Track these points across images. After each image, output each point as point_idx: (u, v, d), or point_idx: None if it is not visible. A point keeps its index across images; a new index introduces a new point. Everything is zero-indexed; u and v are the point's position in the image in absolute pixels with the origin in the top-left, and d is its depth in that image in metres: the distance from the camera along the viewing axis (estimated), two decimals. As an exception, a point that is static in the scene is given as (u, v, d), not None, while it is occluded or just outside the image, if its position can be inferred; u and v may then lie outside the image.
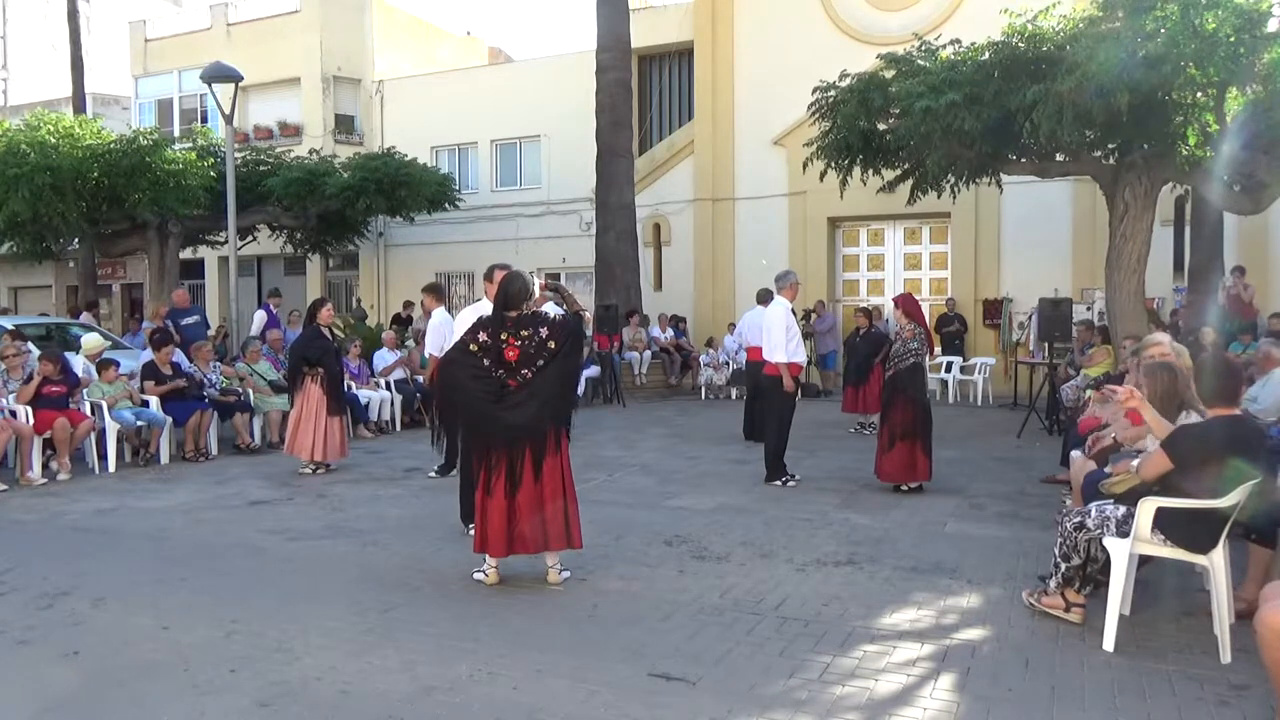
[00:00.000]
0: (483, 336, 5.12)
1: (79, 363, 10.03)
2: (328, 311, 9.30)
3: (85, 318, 16.46)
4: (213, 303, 22.80)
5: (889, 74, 11.39)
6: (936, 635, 4.45)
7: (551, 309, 5.39)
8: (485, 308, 6.10)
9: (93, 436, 9.16)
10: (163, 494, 8.10)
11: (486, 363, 5.11)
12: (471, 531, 6.36)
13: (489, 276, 6.31)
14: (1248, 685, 3.79)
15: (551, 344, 5.13)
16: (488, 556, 5.21)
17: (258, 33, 23.10)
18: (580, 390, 13.86)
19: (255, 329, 13.50)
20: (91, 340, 10.66)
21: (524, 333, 5.11)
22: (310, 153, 19.54)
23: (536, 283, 5.39)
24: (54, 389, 8.90)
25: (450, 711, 3.64)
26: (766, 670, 4.02)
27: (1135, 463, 4.64)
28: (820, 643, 4.33)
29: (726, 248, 19.16)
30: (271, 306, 14.50)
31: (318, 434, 8.91)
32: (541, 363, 5.11)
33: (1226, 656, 4.06)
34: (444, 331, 7.96)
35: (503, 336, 5.10)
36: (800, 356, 8.48)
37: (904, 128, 10.97)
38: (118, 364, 9.81)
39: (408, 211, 19.09)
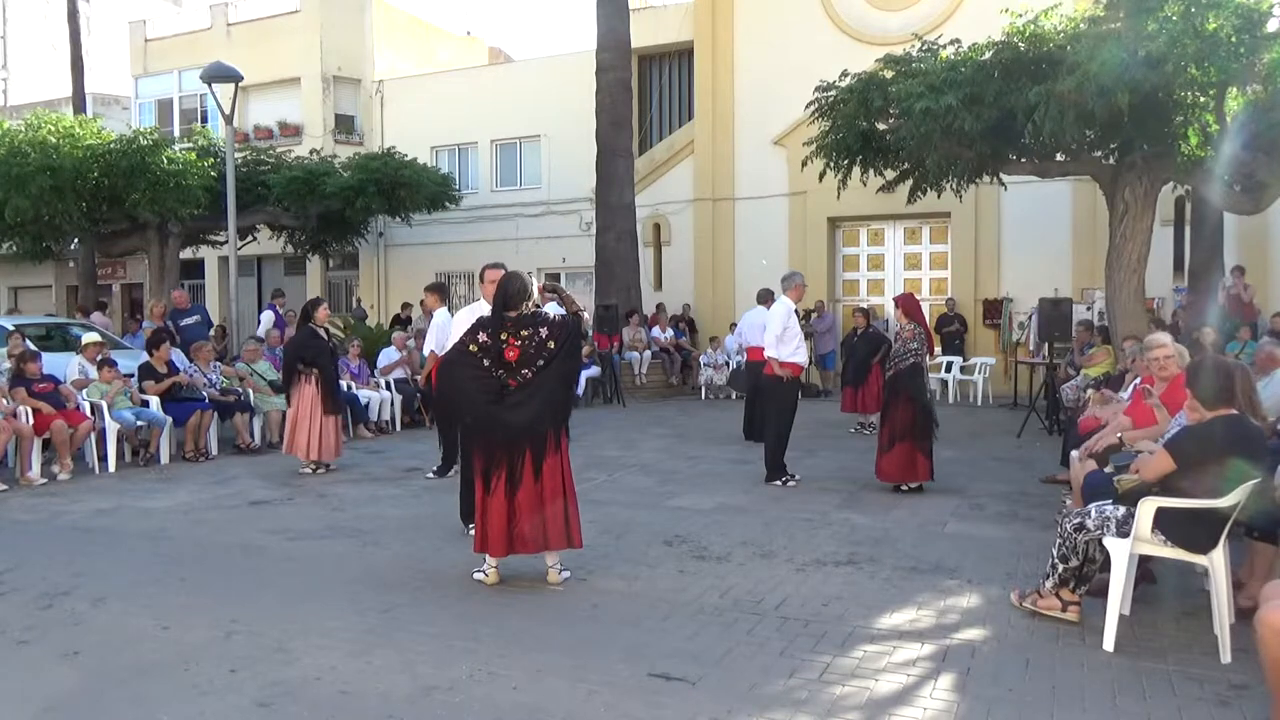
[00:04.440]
0: (482, 337, 5.11)
1: (76, 362, 10.02)
2: (324, 311, 9.30)
3: (96, 317, 16.42)
4: (213, 303, 22.79)
5: (889, 74, 11.39)
6: (936, 635, 4.45)
7: (553, 309, 5.39)
8: (483, 308, 6.11)
9: (93, 437, 9.16)
10: (163, 494, 8.10)
11: (486, 363, 5.10)
12: (471, 531, 6.37)
13: (482, 277, 6.33)
14: (1248, 685, 3.79)
15: (551, 344, 5.12)
16: (488, 556, 5.21)
17: (258, 32, 23.10)
18: (580, 390, 13.95)
19: (263, 331, 13.48)
20: (89, 336, 10.63)
21: (524, 333, 5.11)
22: (310, 153, 19.55)
23: (535, 284, 5.39)
24: (42, 386, 8.94)
25: (450, 711, 3.64)
26: (766, 670, 4.01)
27: (1134, 463, 4.65)
28: (820, 643, 4.33)
29: (726, 248, 19.16)
30: (277, 307, 14.50)
31: (313, 434, 8.91)
32: (541, 363, 5.10)
33: (1226, 656, 4.06)
34: (445, 331, 7.97)
35: (503, 337, 5.09)
36: (801, 357, 8.49)
37: (904, 128, 10.97)
38: (116, 364, 9.81)
39: (407, 211, 19.10)
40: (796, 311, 8.58)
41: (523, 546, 5.08)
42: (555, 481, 5.10)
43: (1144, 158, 11.16)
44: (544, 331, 5.13)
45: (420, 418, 12.61)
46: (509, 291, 5.16)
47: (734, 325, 15.95)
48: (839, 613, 4.76)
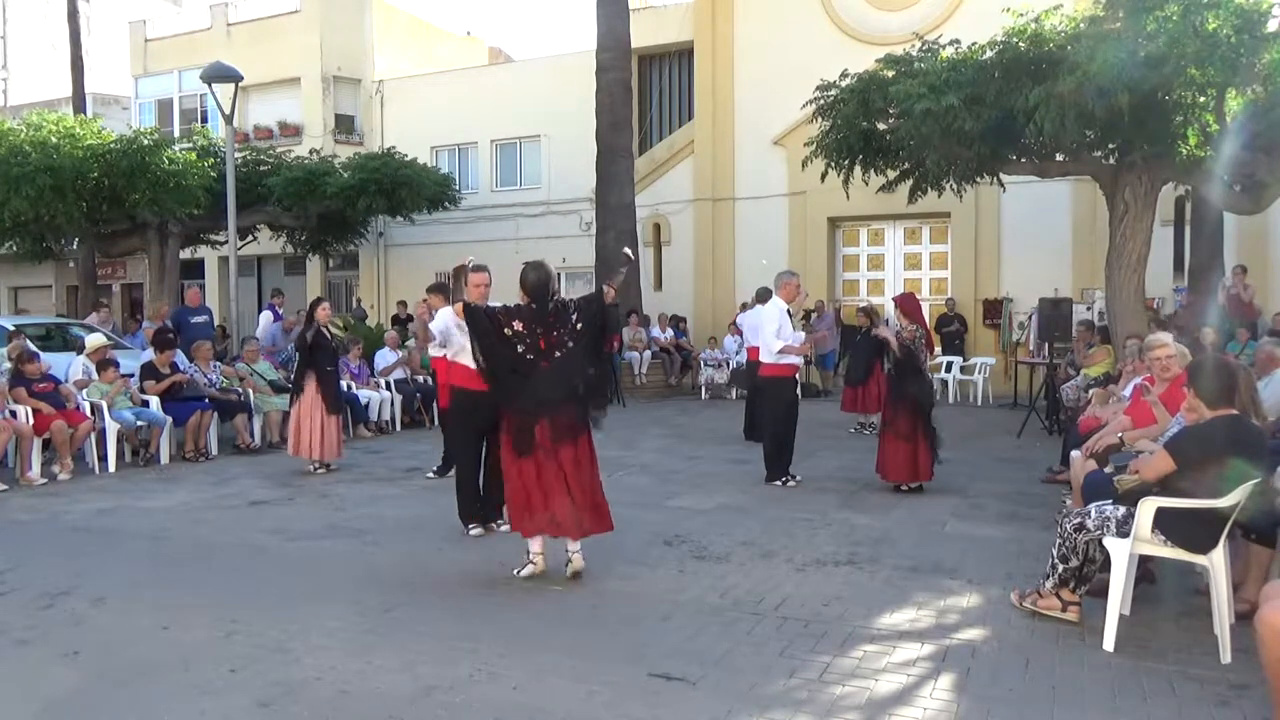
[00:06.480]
0: (518, 325, 5.21)
1: (79, 362, 10.02)
2: (324, 311, 9.29)
3: (92, 317, 16.38)
4: (213, 303, 22.76)
5: (889, 74, 11.38)
6: (936, 635, 4.45)
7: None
8: (446, 315, 6.25)
9: (93, 437, 9.15)
10: (163, 494, 8.10)
11: (520, 349, 5.20)
12: (472, 532, 6.39)
13: (465, 280, 6.13)
14: (1248, 685, 3.79)
15: (579, 325, 5.26)
16: (530, 546, 5.27)
17: (258, 33, 23.10)
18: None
19: (261, 331, 13.45)
20: (94, 339, 10.64)
21: (555, 325, 5.24)
22: (310, 153, 19.55)
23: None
24: (42, 386, 8.95)
25: (450, 711, 3.64)
26: (766, 670, 4.01)
27: (1134, 463, 4.64)
28: (820, 643, 4.33)
29: (726, 248, 19.15)
30: (276, 307, 14.49)
31: (314, 433, 8.91)
32: (571, 343, 5.25)
33: (1226, 656, 4.06)
34: (449, 332, 7.93)
35: (538, 330, 5.20)
36: (793, 356, 8.46)
37: (904, 128, 10.97)
38: (117, 364, 9.81)
39: (408, 211, 19.09)
40: (789, 311, 8.55)
41: (559, 529, 5.16)
42: (587, 459, 5.24)
43: (1144, 158, 11.15)
44: (574, 317, 5.27)
45: (420, 418, 12.61)
46: (535, 283, 5.25)
47: (733, 324, 15.96)
48: (839, 613, 4.76)
